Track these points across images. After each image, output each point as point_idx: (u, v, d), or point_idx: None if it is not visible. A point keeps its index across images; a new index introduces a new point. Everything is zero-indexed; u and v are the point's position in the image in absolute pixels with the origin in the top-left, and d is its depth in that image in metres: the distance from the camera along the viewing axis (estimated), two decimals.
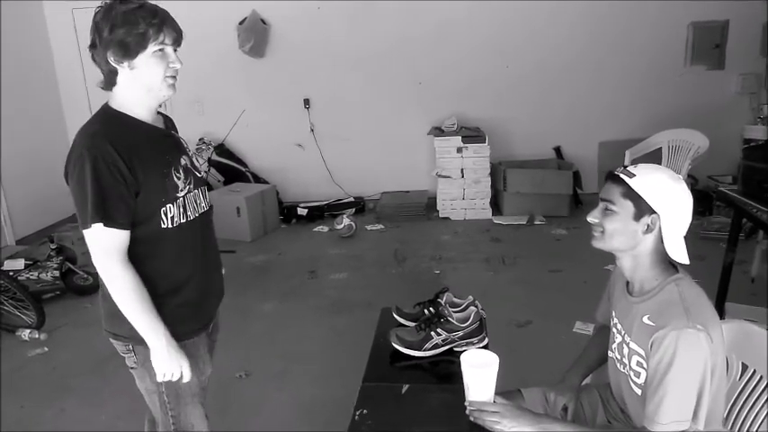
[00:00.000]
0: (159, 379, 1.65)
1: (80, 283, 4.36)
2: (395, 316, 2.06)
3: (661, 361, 1.34)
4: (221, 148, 6.20)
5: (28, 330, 3.72)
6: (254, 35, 5.89)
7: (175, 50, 1.58)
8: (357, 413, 1.60)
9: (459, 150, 5.61)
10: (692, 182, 5.43)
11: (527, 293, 3.95)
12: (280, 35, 6.05)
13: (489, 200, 5.73)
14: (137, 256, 1.58)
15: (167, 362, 1.61)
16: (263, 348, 3.45)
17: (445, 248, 4.97)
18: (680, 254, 1.43)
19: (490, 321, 2.00)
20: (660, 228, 1.43)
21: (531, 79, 5.93)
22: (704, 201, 5.14)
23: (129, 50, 1.51)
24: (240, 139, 6.26)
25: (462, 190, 5.71)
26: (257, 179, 6.13)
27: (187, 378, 1.67)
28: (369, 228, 5.63)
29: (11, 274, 4.06)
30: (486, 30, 5.86)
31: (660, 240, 1.44)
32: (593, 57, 5.81)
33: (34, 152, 5.82)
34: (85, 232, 1.52)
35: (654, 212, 1.42)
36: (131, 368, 1.76)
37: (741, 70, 5.69)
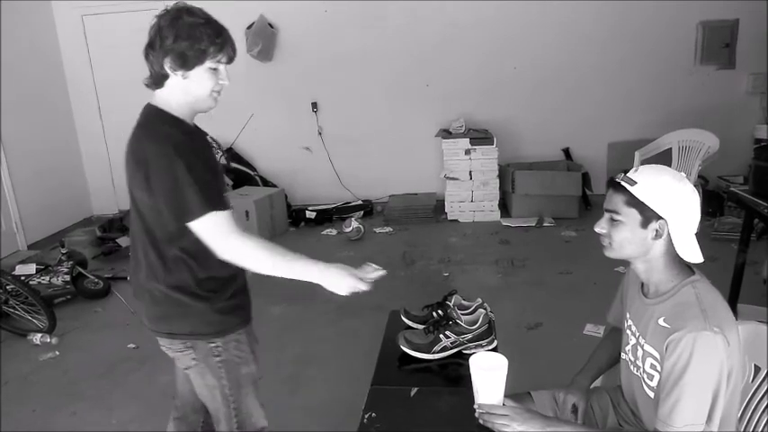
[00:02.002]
0: (345, 293, 1.66)
1: (91, 287, 4.38)
2: (403, 319, 2.06)
3: (677, 363, 1.32)
4: (230, 152, 6.22)
5: (39, 334, 3.74)
6: (262, 39, 5.92)
7: (226, 68, 1.65)
8: (366, 416, 1.60)
9: (467, 152, 5.61)
10: (703, 182, 5.39)
11: (536, 296, 3.93)
12: (287, 39, 6.07)
13: (498, 202, 5.72)
14: (202, 250, 1.61)
15: (343, 278, 1.66)
16: (273, 352, 3.45)
17: (454, 251, 4.96)
18: (692, 254, 1.41)
19: (499, 324, 1.99)
20: (669, 232, 1.41)
21: (539, 80, 5.91)
22: (715, 201, 5.10)
23: (187, 62, 1.57)
24: (248, 142, 6.28)
25: (470, 192, 5.70)
26: (266, 183, 6.15)
27: (367, 282, 1.69)
28: (377, 230, 5.63)
29: (22, 278, 4.10)
30: (493, 31, 5.85)
31: (671, 243, 1.43)
32: (601, 57, 5.78)
33: (45, 157, 5.87)
34: (198, 223, 1.55)
35: (660, 218, 1.39)
36: (188, 368, 1.77)
37: (751, 69, 5.64)
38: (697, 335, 1.30)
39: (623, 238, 1.44)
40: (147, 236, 1.66)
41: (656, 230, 1.40)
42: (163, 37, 1.56)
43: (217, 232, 1.57)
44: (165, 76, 1.61)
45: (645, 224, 1.41)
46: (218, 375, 1.76)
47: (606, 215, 1.48)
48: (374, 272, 1.72)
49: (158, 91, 1.65)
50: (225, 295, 1.72)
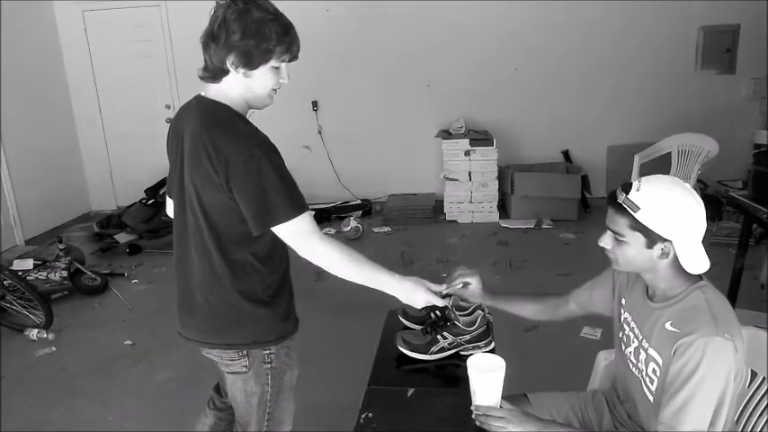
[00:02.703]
0: (421, 306, 1.69)
1: (88, 283, 4.38)
2: (401, 319, 2.05)
3: (685, 366, 1.31)
4: None
5: (36, 330, 3.74)
6: None
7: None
8: (362, 416, 1.59)
9: (467, 153, 5.61)
10: (702, 187, 5.40)
11: None
12: None
13: (497, 203, 5.72)
14: (270, 253, 1.61)
15: (419, 292, 1.66)
16: None
17: (452, 251, 4.96)
18: (698, 265, 1.40)
19: (497, 325, 1.99)
20: (675, 251, 1.39)
21: (539, 82, 5.92)
22: (714, 206, 5.11)
23: (252, 61, 1.50)
24: None
25: (470, 193, 5.70)
26: None
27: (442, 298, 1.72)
28: (376, 230, 5.63)
29: (20, 273, 4.09)
30: (494, 33, 5.85)
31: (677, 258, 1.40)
32: (602, 60, 5.79)
33: (44, 153, 5.86)
34: (287, 225, 1.51)
35: (666, 240, 1.37)
36: (236, 372, 1.69)
37: (752, 74, 5.65)
38: (708, 340, 1.29)
39: (629, 257, 1.43)
40: (213, 239, 1.57)
41: (662, 250, 1.39)
42: (229, 32, 1.45)
43: (302, 234, 1.54)
44: (225, 72, 1.52)
45: (650, 245, 1.39)
46: (263, 382, 1.70)
47: (609, 232, 1.46)
48: (459, 277, 1.76)
49: (215, 85, 1.56)
50: (284, 299, 1.70)
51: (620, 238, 1.43)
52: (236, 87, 1.55)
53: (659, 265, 1.42)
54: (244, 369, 1.67)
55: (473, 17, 5.81)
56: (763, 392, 1.53)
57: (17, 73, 5.49)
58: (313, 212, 1.62)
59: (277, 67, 1.55)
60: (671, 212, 1.37)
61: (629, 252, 1.43)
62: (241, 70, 1.51)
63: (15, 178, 5.49)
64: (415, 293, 1.66)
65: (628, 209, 1.38)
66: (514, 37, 5.85)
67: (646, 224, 1.37)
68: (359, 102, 6.17)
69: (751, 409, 1.54)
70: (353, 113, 6.20)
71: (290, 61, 1.57)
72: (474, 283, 1.82)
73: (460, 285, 1.81)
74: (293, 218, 1.51)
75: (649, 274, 1.47)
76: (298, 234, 1.54)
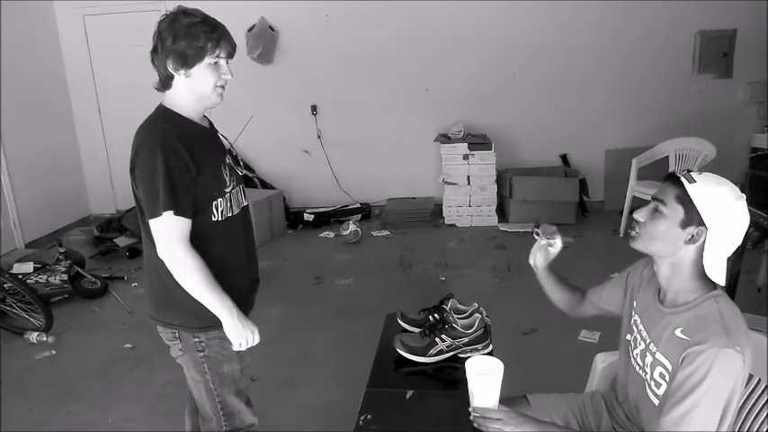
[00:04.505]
0: (236, 348, 1.76)
1: (88, 286, 4.38)
2: (399, 322, 2.07)
3: (692, 375, 1.31)
4: (229, 154, 6.21)
5: (36, 333, 3.74)
6: (263, 42, 5.93)
7: (227, 62, 1.72)
8: (361, 418, 1.61)
9: (466, 157, 5.62)
10: None
11: (532, 301, 3.89)
12: (288, 42, 6.09)
13: (495, 207, 5.74)
14: (197, 244, 1.67)
15: (240, 331, 1.73)
16: (269, 353, 3.45)
17: (451, 255, 4.97)
18: (718, 274, 1.40)
19: (495, 328, 2.01)
20: (704, 242, 1.38)
21: (537, 86, 5.93)
22: None
23: (188, 61, 1.65)
24: (248, 144, 6.29)
25: (468, 197, 5.72)
26: (264, 185, 6.16)
27: (257, 341, 1.78)
28: (375, 234, 5.64)
29: (20, 277, 4.10)
30: (492, 37, 5.87)
31: (702, 254, 1.40)
32: (600, 64, 5.81)
33: (44, 156, 5.88)
34: (155, 221, 1.63)
35: (702, 224, 1.37)
36: (177, 357, 1.85)
37: (749, 79, 5.67)
38: (719, 351, 1.29)
39: (658, 231, 1.42)
40: (144, 227, 1.72)
41: (693, 235, 1.38)
42: (163, 39, 1.63)
43: (168, 234, 1.63)
44: (171, 77, 1.68)
45: (685, 225, 1.38)
46: (201, 371, 1.81)
47: (651, 204, 1.46)
48: (556, 234, 1.90)
49: (169, 92, 1.72)
50: None
51: (661, 208, 1.41)
52: (181, 91, 1.70)
53: (681, 252, 1.41)
54: (180, 352, 1.82)
55: (472, 22, 5.83)
56: (759, 393, 1.54)
57: (18, 77, 5.50)
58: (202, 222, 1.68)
59: (214, 63, 1.68)
60: (721, 199, 1.37)
61: (661, 226, 1.41)
62: (181, 71, 1.66)
63: (16, 182, 5.50)
64: (242, 331, 1.73)
65: (684, 179, 1.38)
66: (513, 41, 5.86)
67: (693, 199, 1.36)
68: (358, 106, 6.18)
69: (747, 410, 1.55)
70: (352, 118, 6.21)
71: (227, 58, 1.70)
72: (556, 249, 1.92)
73: (547, 242, 1.89)
74: (162, 213, 1.60)
75: (668, 268, 1.45)
76: (162, 232, 1.63)
